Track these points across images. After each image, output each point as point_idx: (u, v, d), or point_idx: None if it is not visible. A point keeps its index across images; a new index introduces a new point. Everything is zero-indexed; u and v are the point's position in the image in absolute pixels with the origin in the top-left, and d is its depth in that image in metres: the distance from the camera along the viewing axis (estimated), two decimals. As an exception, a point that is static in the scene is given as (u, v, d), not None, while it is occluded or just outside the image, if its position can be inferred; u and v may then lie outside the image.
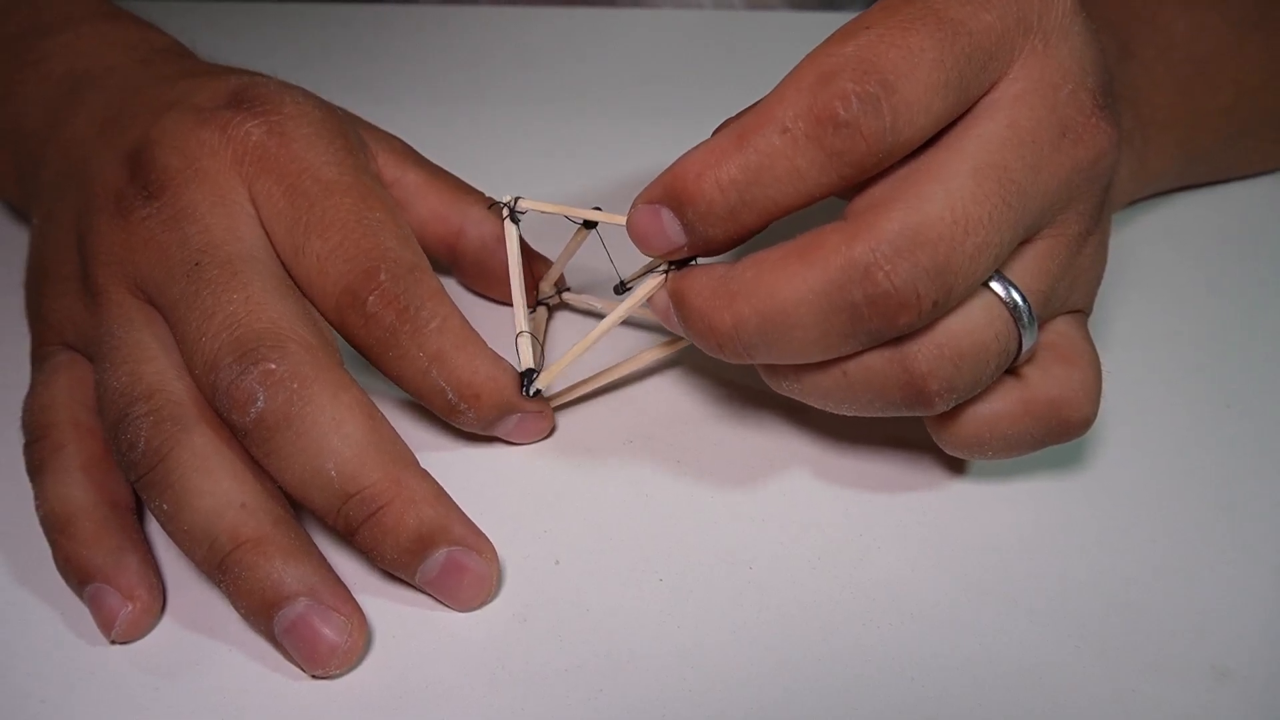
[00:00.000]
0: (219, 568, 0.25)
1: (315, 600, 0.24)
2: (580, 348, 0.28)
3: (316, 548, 0.26)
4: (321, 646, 0.24)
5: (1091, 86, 0.25)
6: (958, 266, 0.23)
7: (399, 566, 0.25)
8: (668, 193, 0.25)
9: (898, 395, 0.25)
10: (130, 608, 0.25)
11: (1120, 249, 0.36)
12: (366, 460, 0.25)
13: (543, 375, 0.29)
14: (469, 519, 0.26)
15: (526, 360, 0.29)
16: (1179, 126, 0.36)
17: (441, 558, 0.25)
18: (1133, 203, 0.38)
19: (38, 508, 0.27)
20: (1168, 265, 0.37)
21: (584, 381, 0.31)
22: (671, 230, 0.25)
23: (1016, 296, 0.24)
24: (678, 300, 0.25)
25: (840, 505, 0.29)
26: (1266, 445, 0.30)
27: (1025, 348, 0.25)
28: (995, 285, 0.24)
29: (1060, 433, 0.26)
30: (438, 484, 0.26)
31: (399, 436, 0.26)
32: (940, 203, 0.23)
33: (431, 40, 0.52)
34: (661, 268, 0.27)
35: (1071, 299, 0.27)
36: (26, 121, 0.33)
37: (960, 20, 0.23)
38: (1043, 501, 0.29)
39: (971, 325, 0.24)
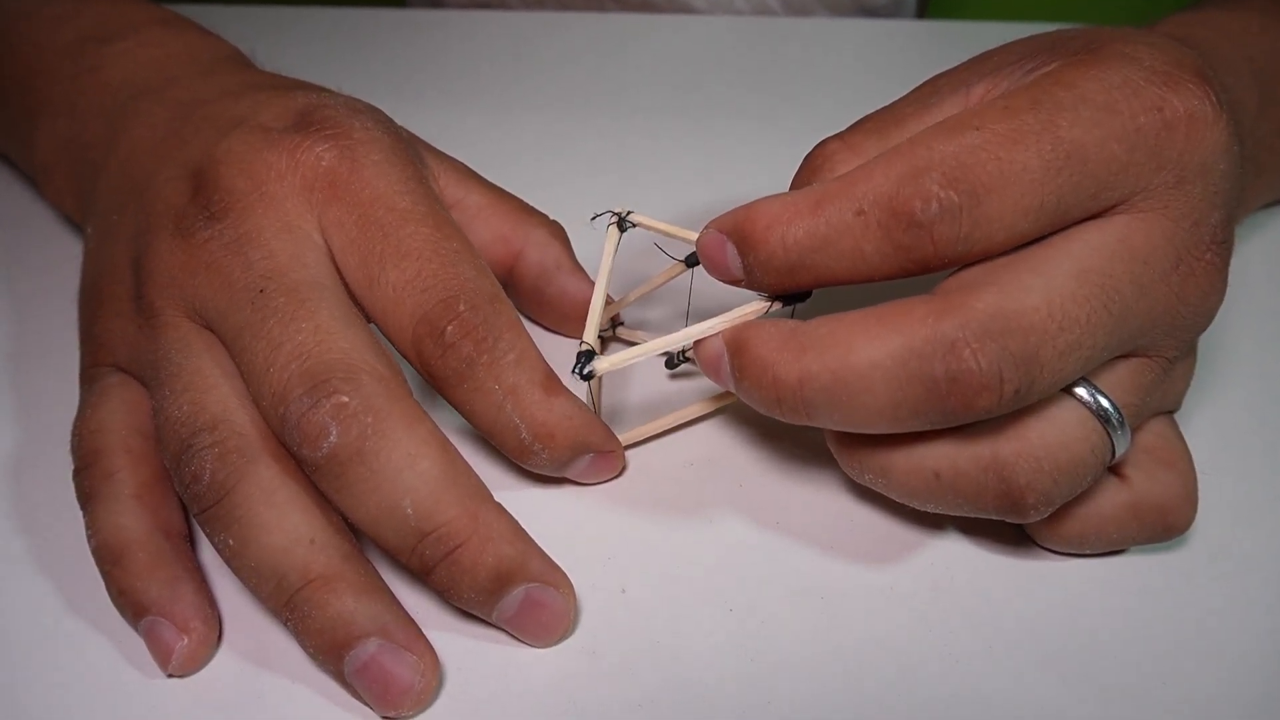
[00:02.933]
0: (287, 605, 0.24)
1: (388, 640, 0.23)
2: (653, 346, 0.27)
3: (386, 585, 0.25)
4: (395, 688, 0.23)
5: (1215, 223, 0.23)
6: (1046, 360, 0.22)
7: (476, 605, 0.24)
8: (736, 231, 0.25)
9: (991, 503, 0.24)
10: (186, 641, 0.24)
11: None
12: (443, 497, 0.24)
13: (604, 361, 0.27)
14: (545, 554, 0.25)
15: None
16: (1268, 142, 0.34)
17: (520, 595, 0.24)
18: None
19: (89, 538, 0.26)
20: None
21: (645, 426, 0.30)
22: (733, 264, 0.25)
23: (1105, 403, 0.24)
24: (737, 348, 0.25)
25: (911, 534, 0.28)
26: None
27: (1118, 454, 0.24)
28: (1081, 390, 0.24)
29: (1162, 535, 0.26)
30: (514, 519, 0.25)
31: (473, 471, 0.25)
32: (1038, 295, 0.22)
33: (458, 45, 0.52)
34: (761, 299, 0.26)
35: (1164, 404, 0.26)
36: (85, 132, 0.32)
37: (1080, 145, 0.22)
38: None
39: (1067, 438, 0.23)
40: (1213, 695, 0.24)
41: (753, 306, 0.26)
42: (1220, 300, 0.24)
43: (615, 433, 0.29)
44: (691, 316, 0.32)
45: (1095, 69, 0.23)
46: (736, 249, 0.25)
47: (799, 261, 0.24)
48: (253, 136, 0.28)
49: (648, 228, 0.29)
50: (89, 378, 0.29)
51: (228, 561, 0.25)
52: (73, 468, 0.27)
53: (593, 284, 0.31)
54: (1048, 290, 0.22)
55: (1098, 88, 0.23)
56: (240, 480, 0.24)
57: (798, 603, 0.26)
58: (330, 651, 0.23)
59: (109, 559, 0.25)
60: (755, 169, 0.42)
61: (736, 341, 0.25)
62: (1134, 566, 0.27)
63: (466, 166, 0.33)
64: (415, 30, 0.53)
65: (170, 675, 0.25)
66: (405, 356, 0.27)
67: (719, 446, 0.30)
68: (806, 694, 0.24)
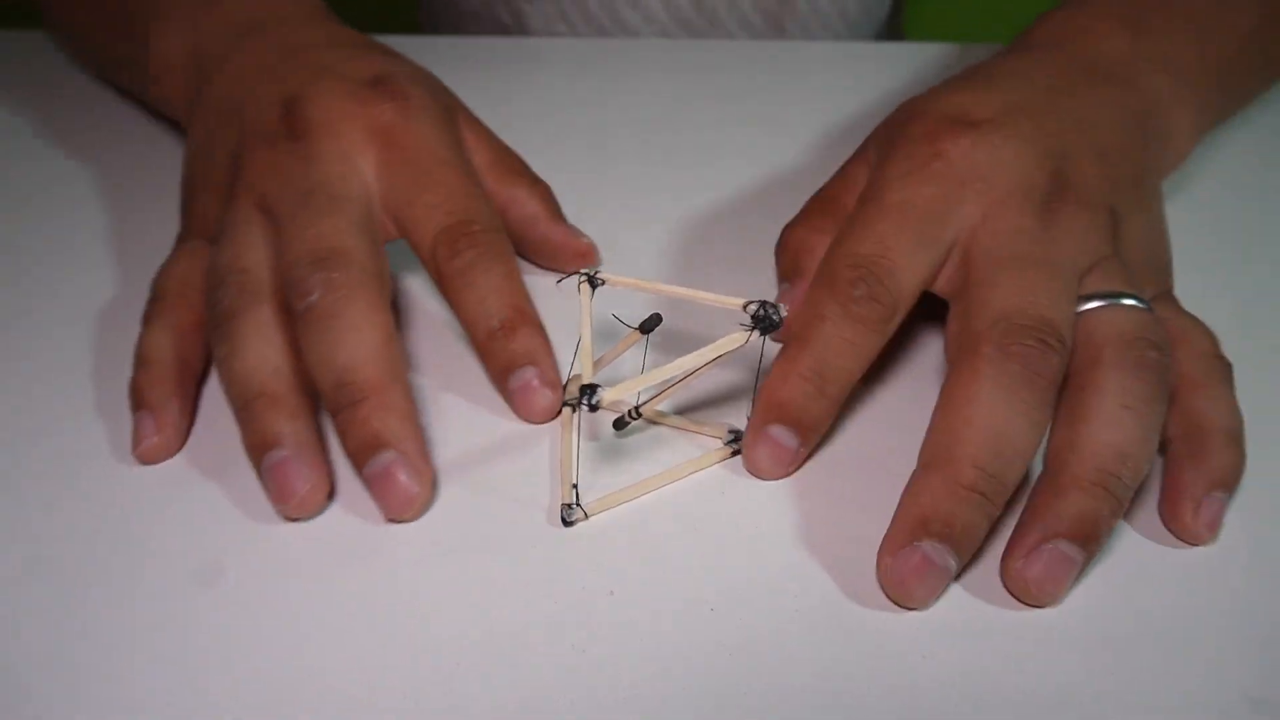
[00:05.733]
0: (242, 409, 0.31)
1: (297, 452, 0.30)
2: (654, 378, 0.29)
3: (314, 417, 0.31)
4: (288, 489, 0.29)
5: (1041, 183, 0.32)
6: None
7: (354, 455, 0.30)
8: (769, 411, 0.31)
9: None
10: (156, 438, 0.32)
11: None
12: (368, 362, 0.30)
13: (610, 391, 0.28)
14: (424, 446, 0.30)
15: (587, 377, 0.30)
16: (1212, 70, 0.39)
17: (386, 461, 0.29)
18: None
19: (139, 341, 0.34)
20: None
21: (626, 490, 0.31)
22: (786, 440, 0.31)
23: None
24: None
25: (878, 527, 0.29)
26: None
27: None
28: (1096, 302, 0.31)
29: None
30: (415, 408, 0.31)
31: (405, 365, 0.31)
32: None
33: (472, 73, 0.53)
34: (747, 326, 0.29)
35: (1147, 279, 0.33)
36: (202, 50, 0.40)
37: (904, 201, 0.32)
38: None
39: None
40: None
41: (732, 338, 0.29)
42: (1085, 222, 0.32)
43: (583, 502, 0.30)
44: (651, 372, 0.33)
45: (894, 158, 0.34)
46: (779, 423, 0.31)
47: (821, 379, 0.31)
48: (337, 84, 0.36)
49: (616, 284, 0.31)
50: (180, 240, 0.37)
51: (218, 367, 0.32)
52: (151, 288, 0.35)
53: (572, 230, 0.39)
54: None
55: (896, 171, 0.33)
56: (244, 310, 0.32)
57: (776, 602, 0.28)
58: (256, 451, 0.30)
59: (137, 363, 0.33)
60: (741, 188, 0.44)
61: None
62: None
63: (488, 130, 0.40)
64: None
65: (137, 459, 0.32)
66: (422, 258, 0.35)
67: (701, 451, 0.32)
68: (785, 689, 0.26)
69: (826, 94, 0.52)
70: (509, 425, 0.33)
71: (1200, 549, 0.29)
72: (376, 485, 0.29)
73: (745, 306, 0.29)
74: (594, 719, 0.25)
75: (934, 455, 0.28)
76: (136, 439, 0.32)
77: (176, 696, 0.26)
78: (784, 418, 0.31)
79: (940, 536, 0.27)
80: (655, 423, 0.34)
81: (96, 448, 0.32)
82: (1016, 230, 0.31)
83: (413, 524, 0.30)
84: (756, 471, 0.31)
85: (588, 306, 0.31)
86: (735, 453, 0.32)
